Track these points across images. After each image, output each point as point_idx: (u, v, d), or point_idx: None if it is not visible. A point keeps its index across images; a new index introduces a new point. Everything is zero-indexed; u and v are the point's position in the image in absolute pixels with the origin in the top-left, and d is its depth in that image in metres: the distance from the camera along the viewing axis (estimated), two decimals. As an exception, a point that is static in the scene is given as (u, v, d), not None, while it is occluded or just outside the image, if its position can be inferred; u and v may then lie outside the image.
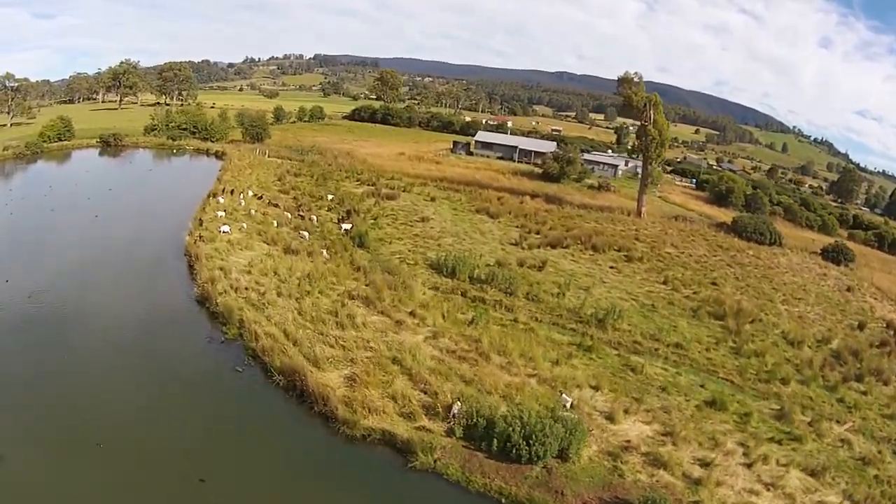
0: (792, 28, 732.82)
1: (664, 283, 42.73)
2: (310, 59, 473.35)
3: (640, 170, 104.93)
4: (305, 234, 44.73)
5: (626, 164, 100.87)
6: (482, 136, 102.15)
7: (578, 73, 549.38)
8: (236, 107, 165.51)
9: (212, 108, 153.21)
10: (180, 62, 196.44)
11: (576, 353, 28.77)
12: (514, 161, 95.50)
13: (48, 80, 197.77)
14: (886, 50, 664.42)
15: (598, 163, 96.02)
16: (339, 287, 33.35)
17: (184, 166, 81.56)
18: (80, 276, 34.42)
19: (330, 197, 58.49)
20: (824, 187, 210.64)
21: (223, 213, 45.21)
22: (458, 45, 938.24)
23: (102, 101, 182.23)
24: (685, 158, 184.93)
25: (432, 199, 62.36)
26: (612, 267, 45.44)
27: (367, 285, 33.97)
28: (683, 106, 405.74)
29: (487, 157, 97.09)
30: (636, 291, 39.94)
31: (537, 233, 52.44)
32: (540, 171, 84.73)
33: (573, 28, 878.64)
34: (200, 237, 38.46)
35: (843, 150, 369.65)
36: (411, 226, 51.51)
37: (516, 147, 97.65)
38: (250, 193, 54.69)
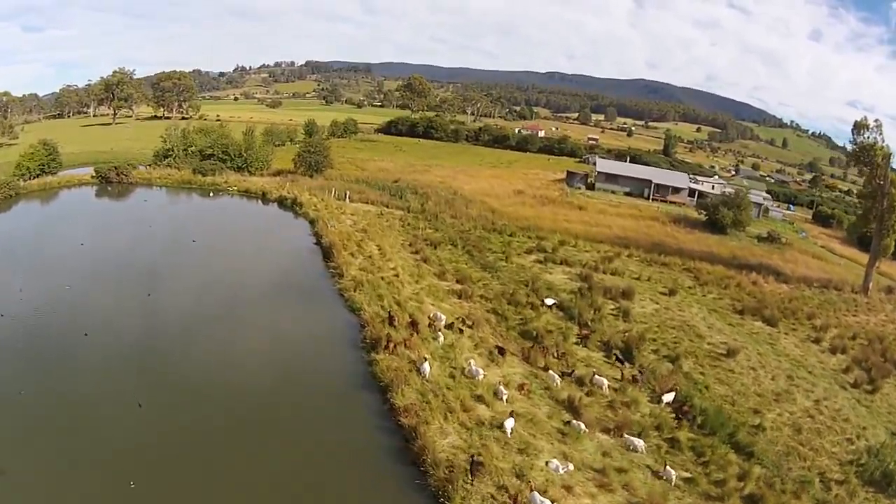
0: (782, 21, 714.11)
1: None
2: (301, 65, 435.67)
3: (764, 202, 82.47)
4: (638, 442, 19.98)
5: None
6: (604, 165, 76.64)
7: (570, 73, 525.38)
8: (244, 119, 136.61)
9: (217, 120, 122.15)
10: (180, 71, 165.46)
11: None
12: (648, 199, 70.70)
13: (36, 94, 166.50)
14: (877, 41, 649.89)
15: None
16: None
17: (244, 229, 49.95)
18: None
19: (550, 302, 32.63)
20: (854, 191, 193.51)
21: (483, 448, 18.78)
22: (447, 47, 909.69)
23: (94, 115, 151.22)
24: (736, 171, 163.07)
25: (671, 293, 37.44)
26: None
27: None
28: (677, 102, 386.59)
29: (613, 191, 71.90)
30: None
31: (843, 352, 32.42)
32: (704, 217, 60.54)
33: (564, 27, 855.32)
34: None
35: (841, 144, 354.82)
36: (728, 370, 28.04)
37: (650, 181, 72.22)
38: (441, 318, 28.05)
